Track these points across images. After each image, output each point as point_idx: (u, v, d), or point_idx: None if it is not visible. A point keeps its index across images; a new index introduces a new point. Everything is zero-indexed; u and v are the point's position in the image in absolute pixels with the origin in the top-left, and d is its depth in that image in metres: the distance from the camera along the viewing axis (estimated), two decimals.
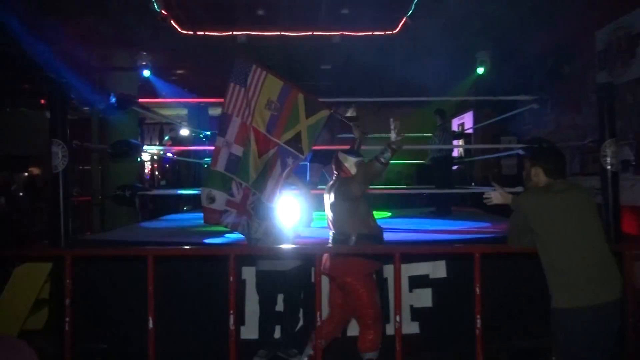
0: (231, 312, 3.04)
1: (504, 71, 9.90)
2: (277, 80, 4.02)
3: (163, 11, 7.54)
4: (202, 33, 8.35)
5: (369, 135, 5.79)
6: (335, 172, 3.78)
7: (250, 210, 3.97)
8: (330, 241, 3.69)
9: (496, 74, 10.03)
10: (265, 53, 9.07)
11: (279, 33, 8.33)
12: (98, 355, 4.31)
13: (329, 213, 3.70)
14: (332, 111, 4.18)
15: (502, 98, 5.75)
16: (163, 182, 14.15)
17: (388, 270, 4.38)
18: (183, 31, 8.26)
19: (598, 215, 2.81)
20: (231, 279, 3.04)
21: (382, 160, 3.42)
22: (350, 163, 3.72)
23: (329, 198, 3.69)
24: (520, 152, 5.57)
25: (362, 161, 3.73)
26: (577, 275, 2.64)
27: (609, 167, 4.60)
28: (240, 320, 4.14)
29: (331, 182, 3.80)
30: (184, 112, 14.55)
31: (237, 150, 3.98)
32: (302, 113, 4.01)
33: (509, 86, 8.60)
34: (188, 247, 4.09)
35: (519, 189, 4.91)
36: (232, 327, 3.04)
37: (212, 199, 3.96)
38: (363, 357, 3.49)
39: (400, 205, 10.07)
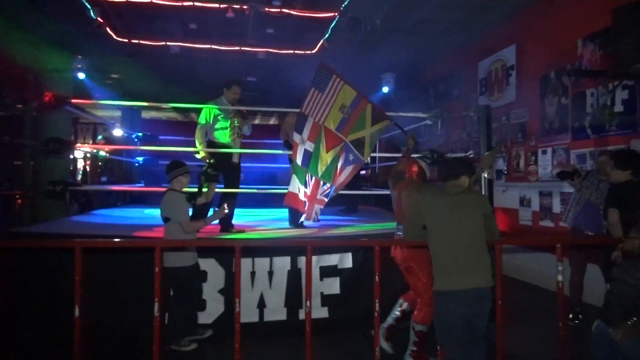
0: (156, 300, 2.89)
1: (404, 91, 10.25)
2: (351, 90, 4.23)
3: (99, 19, 7.08)
4: (136, 41, 7.94)
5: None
6: (414, 175, 3.80)
7: (324, 198, 4.00)
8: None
9: (398, 93, 10.37)
10: (196, 63, 8.80)
11: (209, 46, 8.11)
12: (24, 343, 3.97)
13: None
14: (392, 121, 4.44)
15: (402, 114, 5.93)
16: (104, 179, 13.31)
17: (301, 261, 4.40)
18: (118, 38, 7.81)
19: (481, 217, 2.87)
20: (157, 269, 2.90)
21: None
22: (425, 166, 3.91)
23: (406, 195, 3.72)
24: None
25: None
26: (453, 263, 2.76)
27: (486, 175, 4.86)
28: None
29: (407, 181, 3.78)
30: (117, 113, 13.79)
31: (310, 146, 4.11)
32: (369, 120, 4.24)
33: (408, 104, 8.91)
34: (117, 239, 3.86)
35: None
36: (156, 314, 2.90)
37: (298, 189, 4.16)
38: (415, 327, 3.60)
39: None
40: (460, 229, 2.79)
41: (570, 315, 4.76)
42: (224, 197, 4.95)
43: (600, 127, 5.49)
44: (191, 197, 4.08)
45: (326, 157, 4.10)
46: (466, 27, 7.61)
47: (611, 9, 3.94)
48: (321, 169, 4.14)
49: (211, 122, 5.14)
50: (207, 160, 4.98)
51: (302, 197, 4.25)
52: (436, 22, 7.42)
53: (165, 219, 3.88)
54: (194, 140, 5.11)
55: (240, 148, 5.34)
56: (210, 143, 5.20)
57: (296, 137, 4.20)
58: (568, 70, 5.87)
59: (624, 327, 2.76)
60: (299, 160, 4.26)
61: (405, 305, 3.91)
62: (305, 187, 4.26)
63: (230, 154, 5.16)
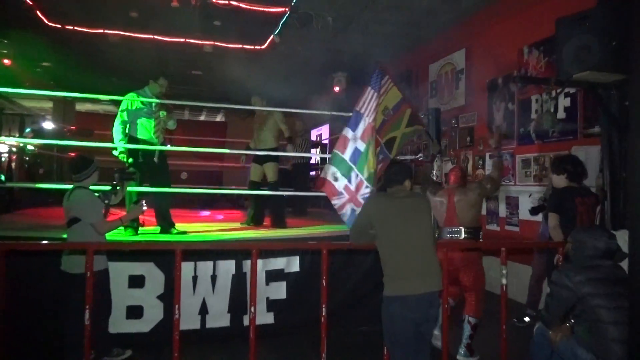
0: (87, 307, 2.78)
1: (356, 91, 10.39)
2: (398, 93, 4.31)
3: (28, 0, 6.70)
4: (71, 28, 7.56)
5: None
6: (458, 179, 4.34)
7: (362, 201, 4.04)
8: (464, 236, 4.11)
9: (350, 93, 10.49)
10: (138, 54, 8.53)
11: (152, 36, 7.86)
12: None
13: (461, 213, 4.15)
14: (425, 128, 4.72)
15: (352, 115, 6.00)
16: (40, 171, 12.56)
17: (247, 265, 4.36)
18: (50, 23, 7.41)
19: (430, 219, 2.97)
20: (88, 274, 2.78)
21: None
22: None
23: (461, 199, 4.17)
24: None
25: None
26: (402, 268, 2.79)
27: (435, 178, 5.01)
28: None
29: (453, 186, 4.30)
30: (49, 105, 13.11)
31: (361, 145, 4.15)
32: (404, 123, 4.40)
33: None
34: (45, 242, 3.67)
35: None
36: (87, 323, 2.79)
37: (336, 178, 4.18)
38: (471, 320, 4.04)
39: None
40: (410, 231, 2.85)
41: (517, 318, 5.00)
42: (142, 195, 4.73)
43: (544, 133, 5.79)
44: (105, 196, 3.81)
45: (372, 161, 4.20)
46: (417, 29, 7.81)
47: (554, 19, 4.16)
48: (368, 171, 4.23)
49: (132, 115, 4.97)
50: (126, 160, 4.81)
51: (340, 188, 4.31)
52: (387, 22, 7.57)
53: (73, 221, 3.56)
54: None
55: (166, 144, 5.23)
56: (131, 139, 5.00)
57: (348, 133, 4.27)
58: (514, 76, 6.15)
59: (562, 329, 2.92)
60: (347, 155, 4.33)
61: (451, 301, 4.23)
62: (349, 182, 4.34)
63: (153, 152, 4.99)
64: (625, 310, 2.59)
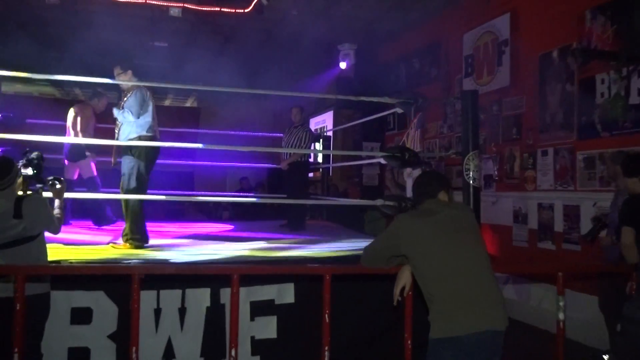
0: (16, 351, 2.79)
1: (368, 69, 10.39)
2: None
3: None
4: None
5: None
6: None
7: None
8: None
9: (360, 69, 10.50)
10: (83, 21, 8.54)
11: None
12: None
13: None
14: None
15: (363, 99, 6.01)
16: None
17: (225, 295, 4.35)
18: None
19: (480, 235, 3.00)
20: (18, 306, 2.80)
21: None
22: None
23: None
24: (382, 161, 5.88)
25: None
26: (454, 302, 2.76)
27: (471, 181, 5.01)
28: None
29: None
30: None
31: None
32: None
33: (372, 86, 9.03)
34: None
35: (379, 201, 5.21)
36: None
37: None
38: None
39: (245, 216, 10.09)
40: (459, 254, 2.84)
41: None
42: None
43: (613, 123, 5.79)
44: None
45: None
46: None
47: None
48: None
49: None
50: None
51: None
52: None
53: (30, 238, 3.68)
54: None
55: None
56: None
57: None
58: (573, 49, 6.15)
59: None
60: None
61: None
62: None
63: None
64: None
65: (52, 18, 8.54)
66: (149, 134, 5.41)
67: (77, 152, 6.78)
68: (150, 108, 5.44)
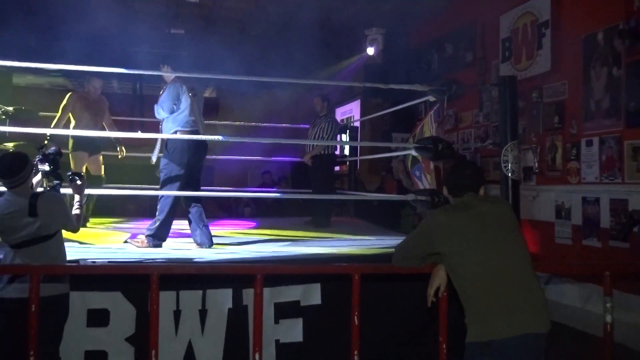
0: (31, 353, 2.83)
1: (397, 54, 10.34)
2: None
3: None
4: None
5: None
6: None
7: None
8: None
9: (389, 55, 10.45)
10: (95, 6, 8.61)
11: None
12: None
13: None
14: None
15: (393, 86, 5.99)
16: None
17: (248, 296, 4.37)
18: None
19: (520, 232, 2.97)
20: (33, 307, 2.83)
21: None
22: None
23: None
24: (414, 153, 5.85)
25: None
26: (492, 303, 2.74)
27: (509, 174, 4.96)
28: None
29: None
30: None
31: None
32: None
33: (402, 73, 8.99)
34: None
35: (410, 196, 5.19)
36: None
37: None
38: None
39: (268, 213, 10.13)
40: (500, 253, 2.82)
41: None
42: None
43: None
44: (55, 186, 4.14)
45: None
46: None
47: None
48: None
49: None
50: None
51: None
52: None
53: (46, 237, 3.75)
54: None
55: None
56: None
57: None
58: (620, 30, 6.05)
59: None
60: None
61: None
62: None
63: None
64: None
65: (64, 5, 8.62)
66: (186, 129, 5.44)
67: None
68: (187, 102, 5.46)
